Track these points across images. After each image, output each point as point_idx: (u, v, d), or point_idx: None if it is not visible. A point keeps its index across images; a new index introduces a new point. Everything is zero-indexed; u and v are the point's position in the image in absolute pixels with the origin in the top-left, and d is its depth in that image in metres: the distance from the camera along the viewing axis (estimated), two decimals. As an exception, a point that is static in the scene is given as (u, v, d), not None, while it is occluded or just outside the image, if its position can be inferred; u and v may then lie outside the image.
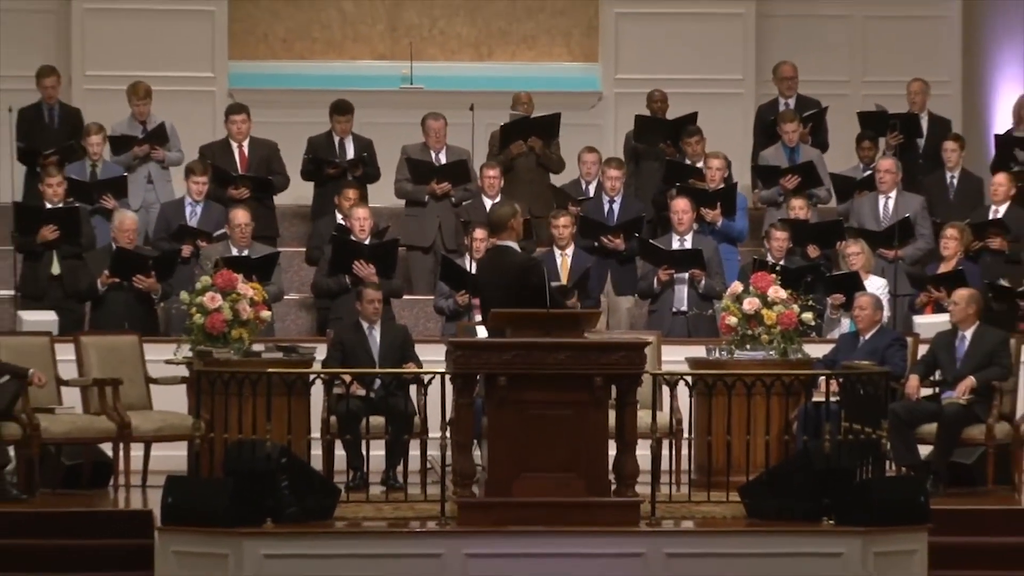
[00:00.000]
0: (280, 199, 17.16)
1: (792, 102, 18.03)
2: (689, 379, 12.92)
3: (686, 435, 13.52)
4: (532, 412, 11.41)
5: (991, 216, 16.38)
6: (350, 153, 17.07)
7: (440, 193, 16.86)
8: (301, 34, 19.82)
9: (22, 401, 13.25)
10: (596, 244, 16.16)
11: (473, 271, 15.35)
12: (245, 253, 15.49)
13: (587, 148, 17.27)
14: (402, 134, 17.39)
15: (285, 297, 16.27)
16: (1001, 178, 16.68)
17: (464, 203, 16.87)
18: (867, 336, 14.20)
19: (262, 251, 15.68)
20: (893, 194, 16.56)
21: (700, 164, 16.93)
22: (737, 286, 14.27)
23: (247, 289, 13.82)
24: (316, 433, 13.15)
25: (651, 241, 16.08)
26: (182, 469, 12.94)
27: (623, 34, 19.52)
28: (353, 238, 15.71)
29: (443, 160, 17.03)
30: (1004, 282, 15.53)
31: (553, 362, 11.42)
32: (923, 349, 14.18)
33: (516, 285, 11.72)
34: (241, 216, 15.74)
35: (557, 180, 17.13)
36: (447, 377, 11.81)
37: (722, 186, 16.54)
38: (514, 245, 12.24)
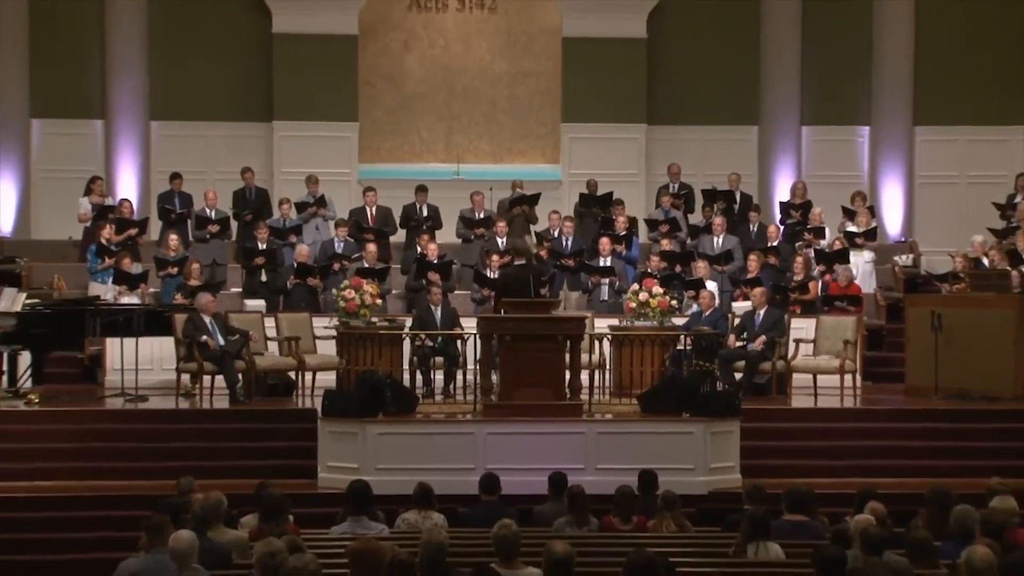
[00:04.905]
0: (386, 238, 17.01)
1: (677, 186, 17.83)
2: (610, 336, 12.85)
3: (608, 367, 13.39)
4: (523, 355, 11.24)
5: (769, 245, 16.20)
6: (425, 214, 16.88)
7: (479, 234, 16.69)
8: (398, 149, 19.59)
9: (246, 348, 13.21)
10: (558, 263, 15.98)
11: (496, 276, 15.24)
12: (373, 267, 15.30)
13: (553, 211, 17.07)
14: (454, 204, 17.19)
15: (391, 291, 16.04)
16: (772, 227, 16.61)
17: (487, 240, 16.71)
18: (707, 314, 14.08)
19: (382, 267, 15.50)
20: (722, 236, 16.36)
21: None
22: (635, 287, 14.15)
23: (368, 287, 13.70)
24: (405, 366, 13.06)
25: (586, 262, 15.93)
26: (332, 386, 12.85)
27: (574, 149, 19.34)
28: (428, 260, 15.52)
29: (480, 216, 16.85)
30: (780, 284, 15.41)
31: (535, 327, 11.25)
32: (737, 320, 14.06)
33: (535, 281, 11.73)
34: (372, 248, 15.64)
35: (536, 228, 16.96)
36: (477, 336, 11.65)
37: (625, 232, 16.38)
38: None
